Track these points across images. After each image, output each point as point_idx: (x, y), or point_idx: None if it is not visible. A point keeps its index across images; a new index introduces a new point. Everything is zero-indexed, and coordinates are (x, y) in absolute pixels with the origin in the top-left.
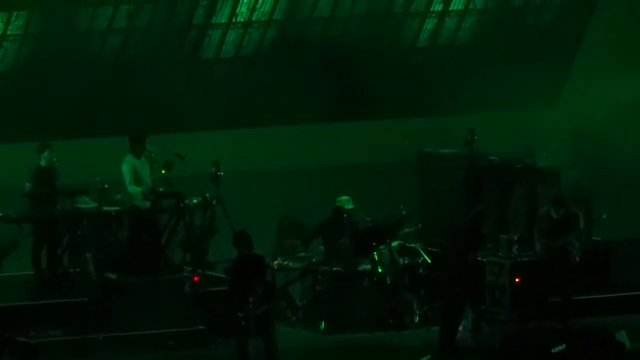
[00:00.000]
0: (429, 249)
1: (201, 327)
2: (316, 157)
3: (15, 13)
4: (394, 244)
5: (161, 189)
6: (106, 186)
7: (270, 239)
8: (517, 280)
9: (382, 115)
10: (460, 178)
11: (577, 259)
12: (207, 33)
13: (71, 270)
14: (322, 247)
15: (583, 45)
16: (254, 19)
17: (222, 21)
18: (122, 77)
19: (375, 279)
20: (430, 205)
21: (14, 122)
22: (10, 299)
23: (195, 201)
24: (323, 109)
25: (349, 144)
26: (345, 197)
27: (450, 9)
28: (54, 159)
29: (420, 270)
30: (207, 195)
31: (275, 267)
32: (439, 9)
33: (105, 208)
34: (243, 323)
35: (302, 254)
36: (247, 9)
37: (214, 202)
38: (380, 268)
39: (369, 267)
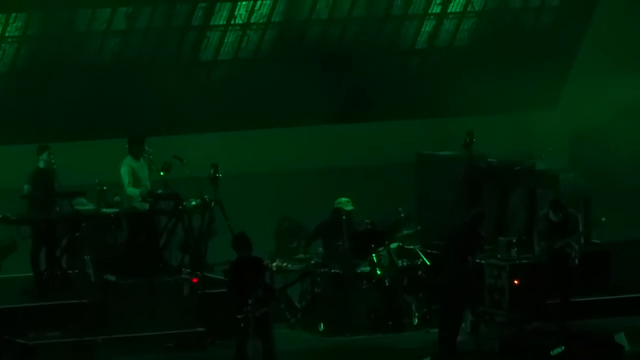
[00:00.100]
0: (428, 251)
1: (200, 329)
2: (315, 159)
3: (14, 15)
4: (393, 245)
5: (160, 191)
6: (105, 188)
7: (269, 241)
8: (516, 282)
9: (381, 118)
10: (459, 180)
11: (576, 262)
12: (205, 35)
13: (70, 271)
14: (320, 249)
15: (582, 47)
16: (252, 21)
17: (221, 23)
18: (121, 78)
19: (374, 280)
20: (429, 207)
21: (12, 123)
22: (9, 301)
23: (193, 203)
24: (322, 111)
25: (347, 146)
26: (344, 199)
27: (449, 11)
28: (53, 161)
29: (419, 272)
30: (206, 197)
31: (274, 269)
32: (438, 11)
33: (103, 210)
34: (242, 325)
35: (301, 255)
36: (246, 11)
37: (212, 204)
38: (379, 270)
39: (367, 269)
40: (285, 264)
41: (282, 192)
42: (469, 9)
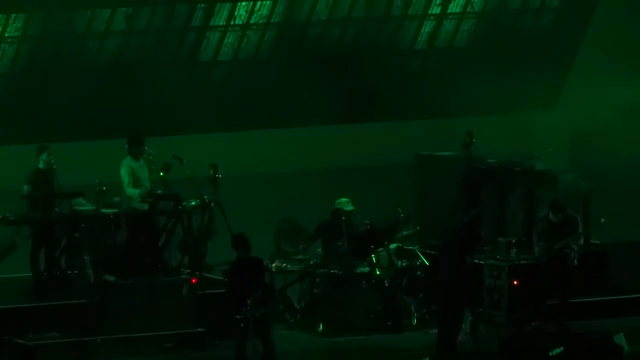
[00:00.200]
0: (427, 251)
1: (199, 330)
2: (314, 160)
3: (13, 15)
4: (392, 246)
5: (159, 191)
6: (104, 188)
7: (269, 242)
8: (515, 283)
9: (381, 118)
10: (458, 181)
11: (575, 262)
12: (205, 36)
13: (69, 272)
14: (320, 249)
15: (582, 47)
16: (252, 21)
17: (221, 24)
18: (121, 79)
19: (373, 281)
20: (429, 208)
21: (12, 124)
22: (8, 301)
23: (193, 203)
24: (321, 111)
25: (347, 147)
26: (345, 199)
27: (449, 11)
28: (52, 161)
29: (418, 273)
30: (205, 197)
31: (274, 269)
32: (437, 11)
33: (103, 210)
34: (241, 325)
35: (300, 256)
36: (246, 11)
37: (212, 205)
38: (378, 270)
39: (367, 269)
40: (284, 264)
41: (282, 192)
42: (468, 10)
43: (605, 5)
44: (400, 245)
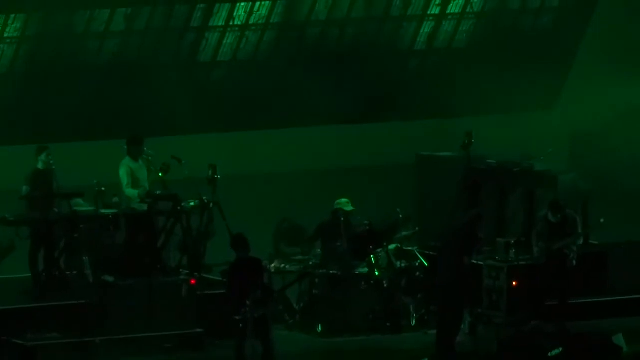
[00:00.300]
0: (426, 252)
1: (198, 330)
2: (314, 160)
3: (12, 15)
4: (391, 247)
5: (158, 192)
6: (103, 189)
7: (268, 242)
8: (514, 283)
9: (381, 119)
10: (458, 181)
11: (574, 263)
12: (204, 36)
13: (68, 272)
14: (319, 250)
15: (581, 47)
16: (251, 22)
17: (220, 24)
18: (120, 79)
19: (372, 282)
20: (428, 208)
21: (11, 124)
22: (7, 302)
23: (192, 204)
24: (321, 112)
25: (347, 147)
26: (344, 200)
27: (448, 12)
28: (52, 162)
29: (417, 274)
30: (204, 198)
31: (273, 270)
32: (437, 12)
33: (102, 211)
34: (240, 326)
35: (300, 257)
36: (245, 12)
37: (211, 205)
38: (377, 271)
39: (366, 270)
40: (283, 265)
41: (282, 193)
42: (468, 10)
43: (605, 5)
44: (399, 246)
